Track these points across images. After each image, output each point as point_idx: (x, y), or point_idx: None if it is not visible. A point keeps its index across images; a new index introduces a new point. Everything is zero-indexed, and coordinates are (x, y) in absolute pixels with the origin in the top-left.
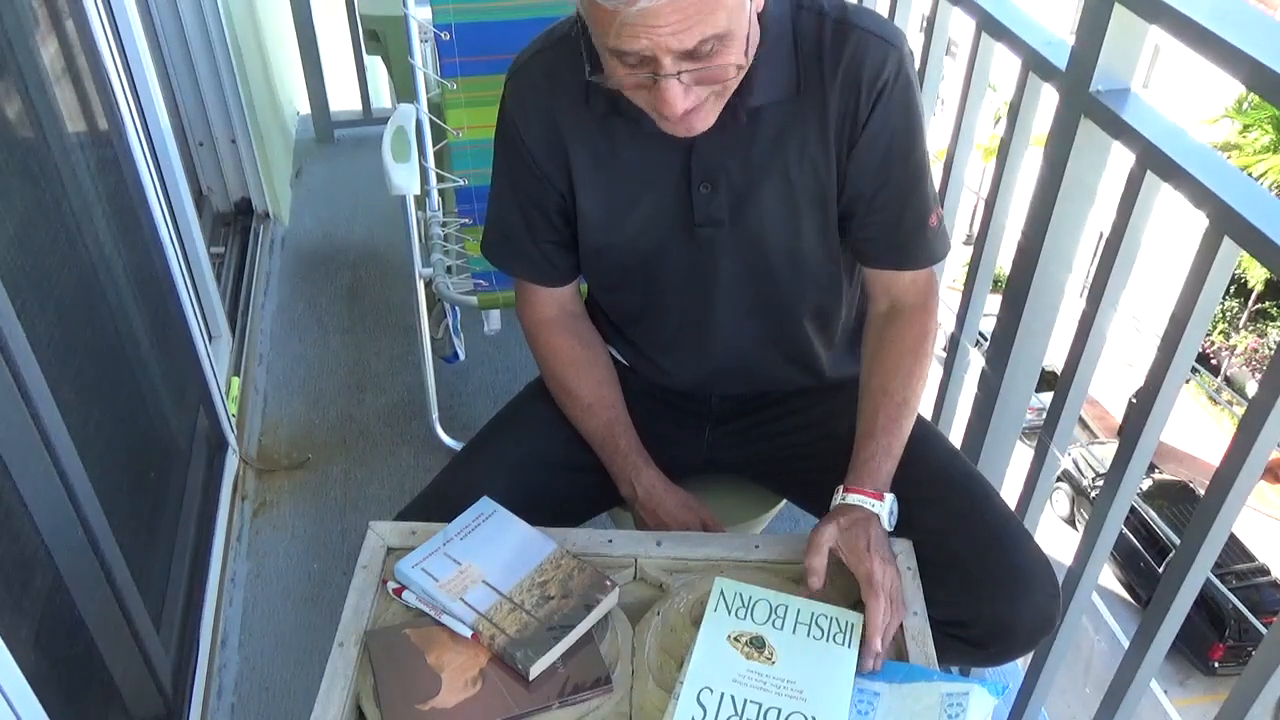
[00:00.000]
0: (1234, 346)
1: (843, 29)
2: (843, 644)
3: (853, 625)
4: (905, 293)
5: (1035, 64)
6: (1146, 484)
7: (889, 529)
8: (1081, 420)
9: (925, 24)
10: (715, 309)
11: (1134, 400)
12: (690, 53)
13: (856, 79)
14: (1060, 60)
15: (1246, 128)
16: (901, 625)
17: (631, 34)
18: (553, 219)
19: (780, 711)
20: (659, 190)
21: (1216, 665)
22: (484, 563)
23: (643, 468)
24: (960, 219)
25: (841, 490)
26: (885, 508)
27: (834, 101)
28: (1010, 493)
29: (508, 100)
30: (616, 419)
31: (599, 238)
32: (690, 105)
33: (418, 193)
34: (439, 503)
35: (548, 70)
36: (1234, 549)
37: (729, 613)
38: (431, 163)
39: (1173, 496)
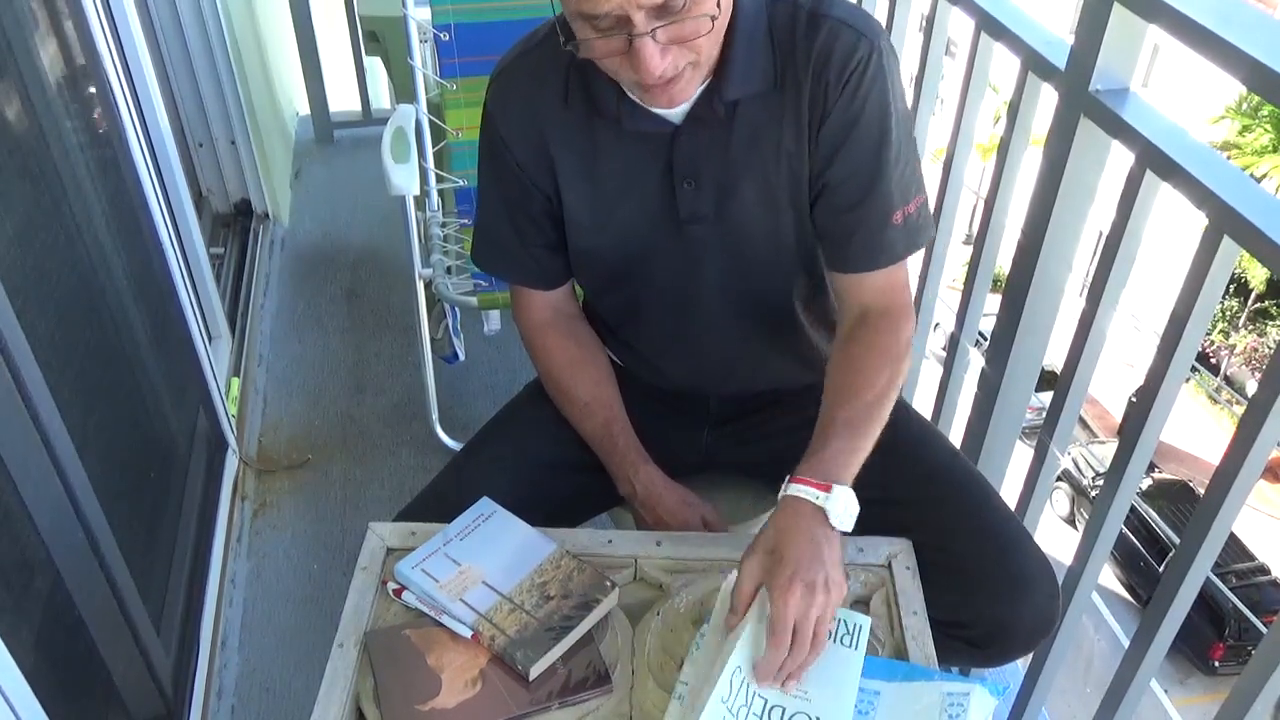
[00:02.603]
0: (1234, 346)
1: (815, 19)
2: (850, 645)
3: (860, 627)
4: (874, 300)
5: (1035, 64)
6: (1146, 483)
7: (843, 529)
8: (1081, 420)
9: (925, 24)
10: (705, 306)
11: (1134, 400)
12: (662, 8)
13: (826, 66)
14: (1060, 60)
15: (1246, 128)
16: (901, 625)
17: None
18: (540, 223)
19: (784, 710)
20: (643, 189)
21: (1217, 664)
22: (484, 563)
23: (641, 465)
24: (960, 219)
25: (787, 480)
26: (834, 500)
27: (806, 92)
28: (1010, 493)
29: (490, 104)
30: (614, 418)
31: (586, 238)
32: (669, 70)
33: (417, 193)
34: (439, 503)
35: (530, 73)
36: (1234, 548)
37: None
38: (431, 163)
39: (1173, 496)
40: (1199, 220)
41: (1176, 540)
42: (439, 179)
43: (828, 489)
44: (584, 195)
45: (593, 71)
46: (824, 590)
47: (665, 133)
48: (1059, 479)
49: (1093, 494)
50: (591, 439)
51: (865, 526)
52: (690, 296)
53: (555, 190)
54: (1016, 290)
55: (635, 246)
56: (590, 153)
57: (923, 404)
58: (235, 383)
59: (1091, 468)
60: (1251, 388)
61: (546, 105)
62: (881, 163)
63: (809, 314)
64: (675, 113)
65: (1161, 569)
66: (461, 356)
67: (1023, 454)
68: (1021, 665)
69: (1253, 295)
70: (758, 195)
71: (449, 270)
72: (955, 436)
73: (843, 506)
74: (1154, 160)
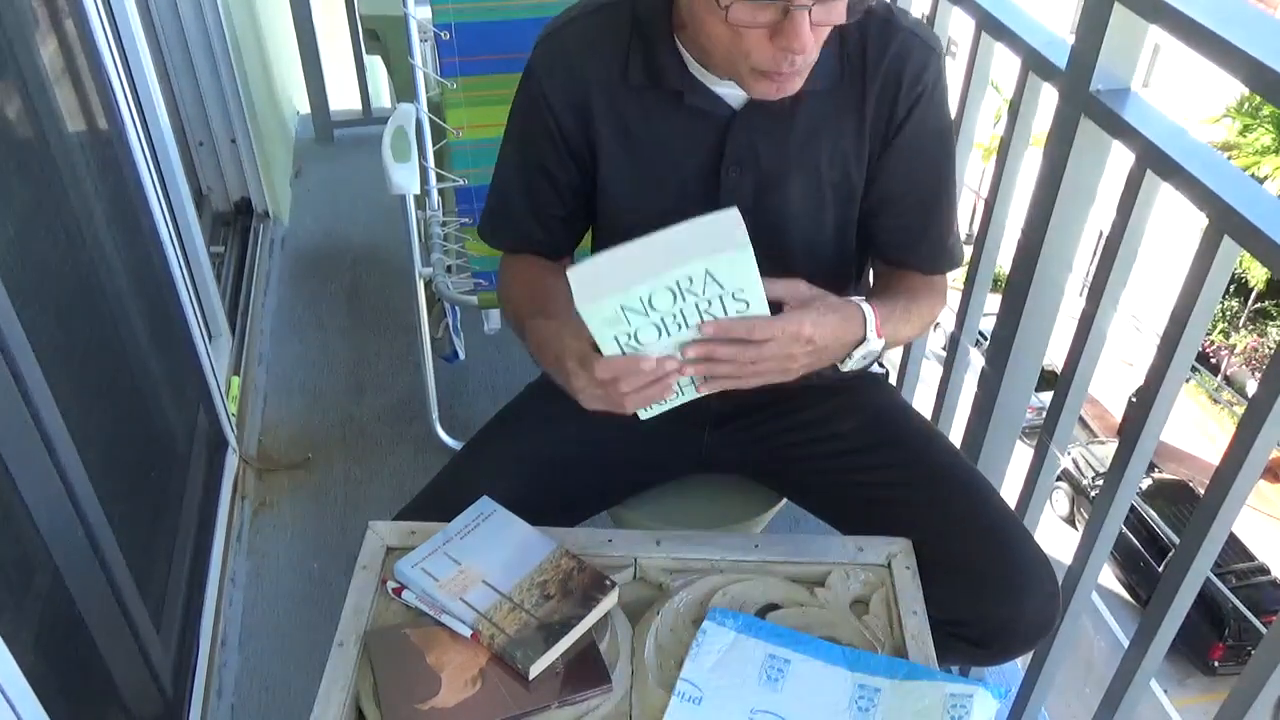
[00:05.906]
0: (1234, 346)
1: (888, 28)
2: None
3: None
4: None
5: (1035, 64)
6: (1146, 483)
7: (849, 367)
8: (1081, 420)
9: (926, 23)
10: None
11: (1134, 400)
12: None
13: (897, 79)
14: (1060, 60)
15: (1247, 128)
16: (901, 625)
17: None
18: (559, 189)
19: (692, 278)
20: (686, 168)
21: (1216, 665)
22: (484, 562)
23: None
24: (961, 219)
25: (866, 301)
26: (871, 346)
27: (872, 98)
28: (1010, 493)
29: (536, 63)
30: (540, 310)
31: (617, 211)
32: (811, 50)
33: (418, 192)
34: (439, 502)
35: (582, 37)
36: (1234, 548)
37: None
38: (431, 162)
39: (1173, 496)
40: (1199, 220)
41: (1176, 540)
42: (439, 178)
43: (880, 337)
44: (622, 167)
45: (658, 42)
46: (802, 363)
47: (722, 115)
48: (1059, 479)
49: (1093, 494)
50: (526, 337)
51: (866, 526)
52: None
53: (591, 159)
54: (1017, 290)
55: (665, 224)
56: (638, 126)
57: (923, 404)
58: (235, 381)
59: (1091, 468)
60: (1251, 388)
61: (597, 72)
62: (945, 176)
63: None
64: (736, 97)
65: (1161, 569)
66: (462, 356)
67: (1023, 454)
68: (1021, 665)
69: (1253, 295)
70: (804, 190)
71: (449, 269)
72: (955, 436)
73: (866, 354)
74: (1154, 160)
